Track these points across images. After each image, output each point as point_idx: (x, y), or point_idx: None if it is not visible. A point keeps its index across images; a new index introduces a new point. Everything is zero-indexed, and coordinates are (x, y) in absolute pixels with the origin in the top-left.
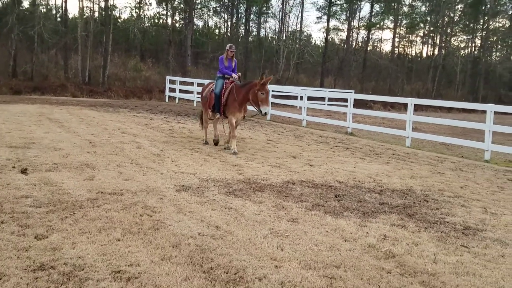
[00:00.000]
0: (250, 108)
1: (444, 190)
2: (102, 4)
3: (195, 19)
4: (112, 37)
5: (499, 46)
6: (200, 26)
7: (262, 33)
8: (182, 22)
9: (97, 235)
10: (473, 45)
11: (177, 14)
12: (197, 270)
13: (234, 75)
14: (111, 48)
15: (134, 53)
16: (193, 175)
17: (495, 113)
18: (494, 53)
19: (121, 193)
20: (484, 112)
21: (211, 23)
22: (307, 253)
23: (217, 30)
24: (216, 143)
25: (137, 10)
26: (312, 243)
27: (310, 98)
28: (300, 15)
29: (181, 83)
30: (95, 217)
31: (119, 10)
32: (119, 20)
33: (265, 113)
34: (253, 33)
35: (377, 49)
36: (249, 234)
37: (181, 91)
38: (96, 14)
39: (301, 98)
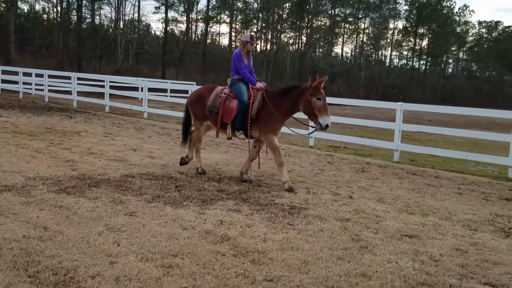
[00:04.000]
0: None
1: (275, 174)
2: None
3: (18, 2)
4: None
5: (321, 43)
6: (26, 10)
7: (97, 21)
8: (4, 5)
9: None
10: (300, 41)
11: None
12: (21, 275)
13: (259, 84)
14: None
15: None
16: (18, 174)
17: None
18: (317, 49)
19: None
20: None
21: (38, 7)
22: (144, 246)
23: (45, 15)
24: (184, 163)
25: None
26: (150, 235)
27: (151, 90)
28: (137, 3)
29: (4, 72)
30: None
31: None
32: None
33: (327, 126)
34: (87, 20)
35: (216, 42)
36: (82, 233)
37: (3, 81)
38: None
39: (142, 89)
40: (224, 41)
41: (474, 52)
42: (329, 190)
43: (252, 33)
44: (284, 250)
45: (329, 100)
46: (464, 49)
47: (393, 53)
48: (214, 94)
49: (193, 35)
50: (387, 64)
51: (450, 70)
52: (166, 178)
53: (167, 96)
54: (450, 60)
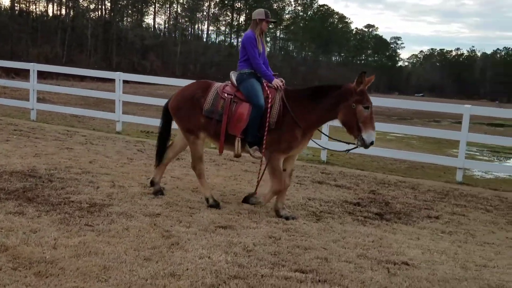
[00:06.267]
0: None
1: (72, 166)
2: None
3: None
4: None
5: (129, 11)
6: None
7: None
8: None
9: None
10: (104, 7)
11: None
12: None
13: (277, 81)
14: None
15: None
16: None
17: (125, 82)
18: (125, 17)
19: None
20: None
21: None
22: None
23: None
24: (216, 205)
25: None
26: None
27: None
28: None
29: None
30: None
31: None
32: None
33: (371, 144)
34: None
35: None
36: None
37: None
38: None
39: None
40: (5, 1)
41: (290, 31)
42: (138, 182)
43: (267, 10)
44: (80, 256)
45: (141, 78)
46: (281, 27)
47: (210, 28)
48: (213, 94)
49: None
50: (205, 40)
51: (268, 49)
52: None
53: None
54: (268, 39)
